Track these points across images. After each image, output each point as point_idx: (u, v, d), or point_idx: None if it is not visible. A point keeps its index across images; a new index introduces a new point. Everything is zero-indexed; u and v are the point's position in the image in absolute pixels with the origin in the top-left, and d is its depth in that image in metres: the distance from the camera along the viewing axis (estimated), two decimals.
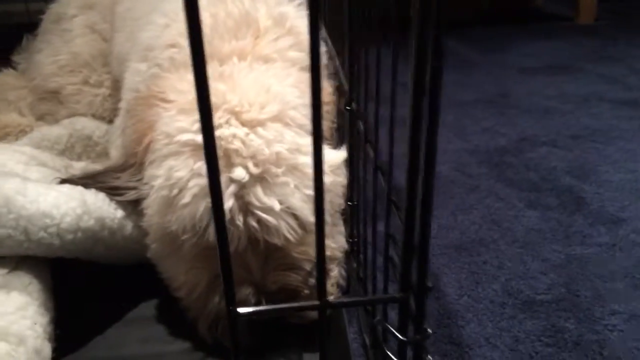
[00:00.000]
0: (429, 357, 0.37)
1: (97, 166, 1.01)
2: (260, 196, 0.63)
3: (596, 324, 0.67)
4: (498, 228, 0.88)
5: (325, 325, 0.39)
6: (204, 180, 0.63)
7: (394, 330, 0.37)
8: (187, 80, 0.75)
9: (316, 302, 0.39)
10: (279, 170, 0.64)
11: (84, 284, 0.75)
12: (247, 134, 0.65)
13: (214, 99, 0.68)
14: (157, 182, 0.67)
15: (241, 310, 0.37)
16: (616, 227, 0.88)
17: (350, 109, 0.65)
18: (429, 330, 0.37)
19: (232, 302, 0.37)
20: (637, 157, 1.11)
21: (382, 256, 0.58)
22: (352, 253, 0.70)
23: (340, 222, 0.74)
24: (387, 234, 0.44)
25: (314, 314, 0.68)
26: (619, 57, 1.90)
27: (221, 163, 0.64)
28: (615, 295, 0.72)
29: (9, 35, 1.47)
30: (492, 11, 2.45)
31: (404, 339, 0.37)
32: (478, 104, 1.42)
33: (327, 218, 0.70)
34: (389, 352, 0.38)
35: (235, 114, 0.67)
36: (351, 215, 0.73)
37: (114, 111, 1.22)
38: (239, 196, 0.63)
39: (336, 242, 0.72)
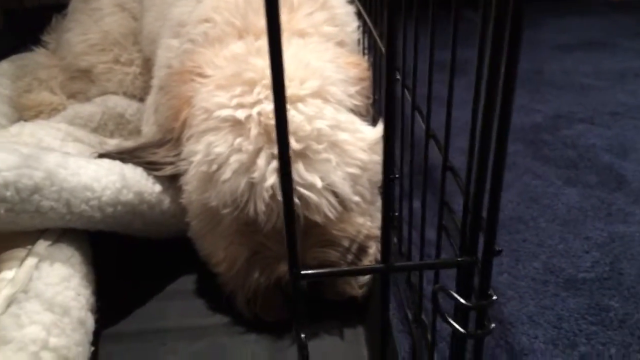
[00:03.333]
0: (492, 324, 0.37)
1: (131, 143, 1.02)
2: (302, 172, 0.62)
3: None
4: (537, 206, 0.86)
5: (386, 290, 0.39)
6: (243, 156, 0.63)
7: (457, 296, 0.37)
8: (222, 56, 0.75)
9: (380, 265, 0.38)
10: (320, 147, 0.63)
11: (122, 258, 0.75)
12: (288, 110, 0.64)
13: (252, 74, 0.67)
14: (196, 158, 0.66)
15: (304, 272, 0.37)
16: None
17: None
18: (494, 296, 0.36)
19: (296, 265, 0.36)
20: None
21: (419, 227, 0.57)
22: (393, 228, 0.69)
23: (379, 199, 0.73)
24: (442, 202, 0.43)
25: (351, 291, 0.68)
26: None
27: (262, 139, 0.63)
28: None
29: (38, 15, 1.49)
30: None
31: (469, 304, 0.36)
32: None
33: (366, 196, 0.69)
34: (450, 320, 0.38)
35: None
36: (392, 189, 0.72)
37: (145, 90, 1.22)
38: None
39: (374, 220, 0.71)
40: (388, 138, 0.34)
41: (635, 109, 1.22)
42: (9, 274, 0.57)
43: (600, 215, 0.82)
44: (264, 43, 0.75)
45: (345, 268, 0.47)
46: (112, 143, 0.99)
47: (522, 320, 0.63)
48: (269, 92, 0.66)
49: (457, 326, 0.37)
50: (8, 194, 0.58)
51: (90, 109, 1.10)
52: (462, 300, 0.36)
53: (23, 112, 1.16)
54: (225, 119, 0.66)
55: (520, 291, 0.68)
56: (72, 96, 1.24)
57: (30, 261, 0.59)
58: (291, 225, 0.35)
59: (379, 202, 0.74)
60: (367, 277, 0.67)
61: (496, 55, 0.30)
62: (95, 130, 1.06)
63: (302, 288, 0.36)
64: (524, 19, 0.31)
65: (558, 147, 1.05)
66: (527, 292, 0.68)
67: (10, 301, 0.54)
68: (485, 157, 0.32)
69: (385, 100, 0.33)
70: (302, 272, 0.36)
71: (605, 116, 1.19)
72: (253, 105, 0.65)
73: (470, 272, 0.36)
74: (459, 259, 0.37)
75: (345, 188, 0.64)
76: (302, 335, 0.38)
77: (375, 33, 0.80)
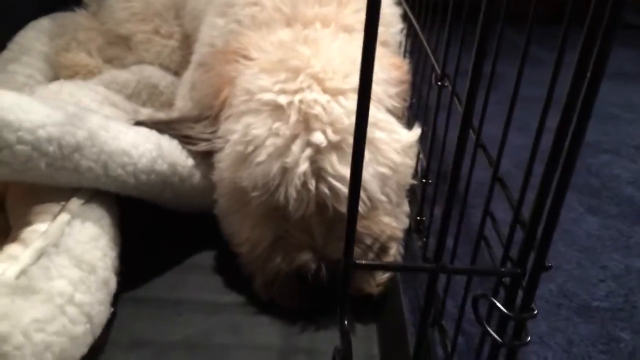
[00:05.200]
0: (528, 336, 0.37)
1: (163, 115, 1.03)
2: (334, 163, 0.63)
3: None
4: (558, 229, 0.85)
5: (433, 289, 0.40)
6: (280, 140, 0.64)
7: (500, 306, 0.37)
8: (269, 41, 0.75)
9: (432, 265, 0.39)
10: None
11: (148, 225, 0.77)
12: (329, 102, 0.65)
13: (298, 62, 0.68)
14: (233, 137, 0.68)
15: (358, 261, 0.38)
16: None
17: (442, 85, 0.64)
18: (536, 310, 0.37)
19: (351, 254, 0.37)
20: None
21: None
22: (419, 232, 0.70)
23: (405, 202, 0.74)
24: (486, 212, 0.44)
25: (369, 289, 0.68)
26: None
27: (300, 126, 0.64)
28: None
29: None
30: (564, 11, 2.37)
31: (510, 314, 0.37)
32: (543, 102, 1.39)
33: (392, 197, 0.70)
34: (489, 328, 0.38)
35: (318, 80, 0.67)
36: (422, 194, 0.73)
37: (181, 64, 1.23)
38: (313, 160, 0.63)
39: (399, 221, 0.71)
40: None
41: None
42: (42, 226, 0.59)
43: (619, 247, 0.83)
44: (311, 32, 0.76)
45: (399, 263, 0.48)
46: (145, 112, 1.00)
47: (533, 339, 0.64)
48: (312, 82, 0.67)
49: (495, 335, 0.38)
50: (51, 149, 0.59)
51: (126, 76, 1.11)
52: (505, 310, 0.37)
53: (59, 71, 1.17)
54: (266, 103, 0.67)
55: None
56: (109, 61, 1.25)
57: (63, 217, 0.60)
58: (353, 218, 0.36)
59: (405, 205, 0.74)
60: (385, 277, 0.68)
61: (579, 80, 0.31)
62: (129, 97, 1.07)
63: (351, 277, 0.37)
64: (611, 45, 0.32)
65: (582, 174, 1.05)
66: (540, 312, 0.68)
67: (41, 253, 0.56)
68: (551, 176, 0.33)
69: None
70: (357, 261, 0.37)
71: (631, 149, 1.19)
72: (295, 92, 0.66)
73: (517, 283, 0.37)
74: (510, 270, 0.38)
75: (373, 186, 0.65)
76: (346, 322, 0.39)
77: (422, 37, 0.81)
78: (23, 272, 0.54)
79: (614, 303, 0.71)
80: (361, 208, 0.65)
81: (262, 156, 0.64)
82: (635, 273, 0.77)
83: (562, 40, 0.37)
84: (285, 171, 0.63)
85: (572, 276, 0.76)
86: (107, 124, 0.65)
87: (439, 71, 0.64)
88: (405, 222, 0.73)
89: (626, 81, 1.68)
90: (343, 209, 0.64)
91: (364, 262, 0.38)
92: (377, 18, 0.32)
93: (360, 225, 0.68)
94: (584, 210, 0.93)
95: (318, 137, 0.63)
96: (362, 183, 0.65)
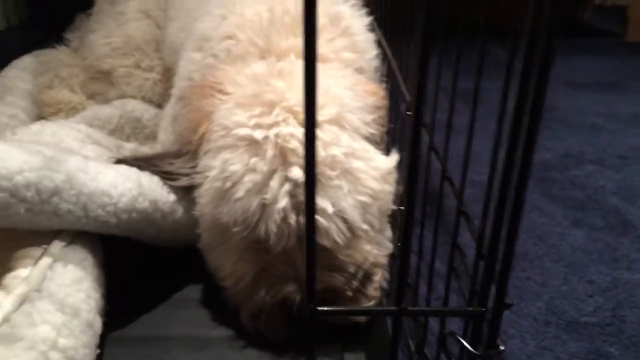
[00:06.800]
0: None
1: (146, 149, 1.03)
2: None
3: None
4: (543, 244, 0.87)
5: (398, 331, 0.40)
6: (257, 176, 0.64)
7: (466, 344, 0.37)
8: (244, 74, 0.76)
9: (394, 308, 0.39)
10: (334, 174, 0.65)
11: (133, 262, 0.76)
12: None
13: (272, 95, 0.69)
14: (212, 173, 0.68)
15: (320, 307, 0.38)
16: None
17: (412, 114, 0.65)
18: (502, 347, 0.37)
19: (312, 299, 0.37)
20: None
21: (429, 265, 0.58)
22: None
23: (388, 227, 0.74)
24: (454, 245, 0.44)
25: (356, 317, 0.68)
26: None
27: (277, 161, 0.65)
28: None
29: (62, 12, 1.50)
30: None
31: (477, 352, 0.37)
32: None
33: (375, 224, 0.70)
34: None
35: (293, 113, 0.67)
36: (402, 219, 0.73)
37: (163, 96, 1.24)
38: (292, 195, 0.64)
39: (382, 248, 0.71)
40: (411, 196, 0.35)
41: None
42: (23, 272, 0.58)
43: (605, 260, 0.83)
44: (285, 65, 0.77)
45: (361, 307, 0.48)
46: (129, 147, 1.00)
47: None
48: (287, 115, 0.67)
49: None
50: (29, 194, 0.59)
51: (108, 111, 1.12)
52: (472, 349, 0.37)
53: (42, 109, 1.18)
54: (242, 138, 0.67)
55: (521, 330, 0.69)
56: (91, 97, 1.26)
57: (45, 261, 0.60)
58: (312, 261, 0.36)
59: (387, 231, 0.75)
60: (371, 304, 0.68)
61: (524, 90, 0.32)
62: (112, 132, 1.08)
63: (316, 322, 0.37)
64: (554, 54, 0.32)
65: (567, 186, 1.06)
66: (528, 331, 0.68)
67: (24, 299, 0.55)
68: (503, 208, 0.33)
69: (410, 157, 0.35)
70: (318, 307, 0.37)
71: (615, 159, 1.20)
72: (271, 126, 0.66)
73: (480, 321, 0.37)
74: (470, 309, 0.38)
75: (355, 215, 0.65)
76: None
77: (393, 63, 0.82)
78: (5, 320, 0.53)
79: (602, 318, 0.71)
80: (341, 239, 0.65)
81: (240, 192, 0.64)
82: (622, 286, 0.77)
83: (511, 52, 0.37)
84: (264, 207, 0.63)
85: (560, 292, 0.76)
86: (85, 166, 0.65)
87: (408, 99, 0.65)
88: (388, 247, 0.73)
89: (607, 90, 1.70)
90: (323, 241, 0.64)
91: (325, 308, 0.38)
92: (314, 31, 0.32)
93: (343, 254, 0.68)
94: (569, 223, 0.93)
95: (296, 172, 0.63)
96: (343, 214, 0.66)
